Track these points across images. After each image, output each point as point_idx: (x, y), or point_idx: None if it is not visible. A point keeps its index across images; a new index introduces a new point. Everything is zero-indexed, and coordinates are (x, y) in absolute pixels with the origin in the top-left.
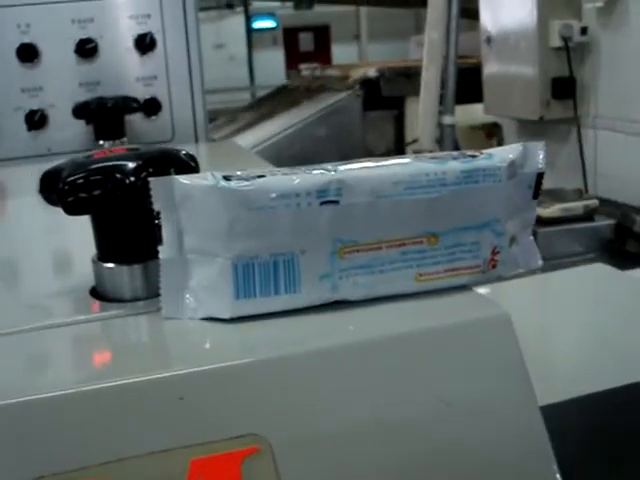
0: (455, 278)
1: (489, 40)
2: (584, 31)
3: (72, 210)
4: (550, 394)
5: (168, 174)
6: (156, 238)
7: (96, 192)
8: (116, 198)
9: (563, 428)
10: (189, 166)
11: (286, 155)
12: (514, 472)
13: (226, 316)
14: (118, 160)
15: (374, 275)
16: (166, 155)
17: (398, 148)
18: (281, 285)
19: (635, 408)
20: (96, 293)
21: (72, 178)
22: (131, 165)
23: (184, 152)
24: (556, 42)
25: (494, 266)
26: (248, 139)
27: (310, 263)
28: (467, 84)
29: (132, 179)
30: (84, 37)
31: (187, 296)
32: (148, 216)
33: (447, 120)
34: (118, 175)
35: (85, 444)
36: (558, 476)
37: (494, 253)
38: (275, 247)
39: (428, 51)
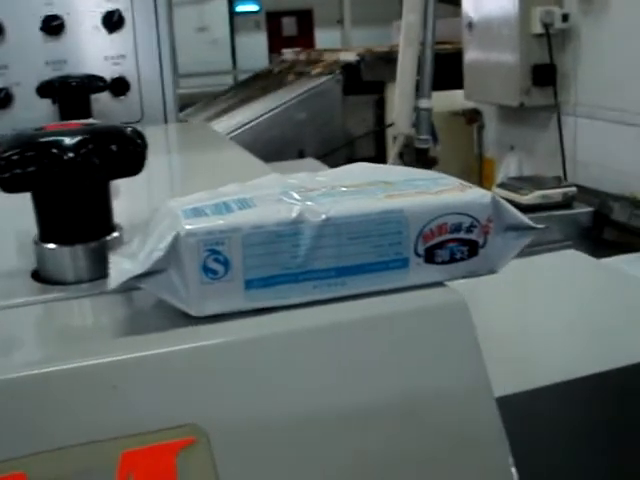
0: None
1: (470, 26)
2: (565, 18)
3: (9, 187)
4: (525, 381)
5: (109, 151)
6: (98, 217)
7: (31, 168)
8: (54, 175)
9: (540, 414)
10: (134, 142)
11: (265, 138)
12: (465, 454)
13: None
14: (59, 135)
15: None
16: (111, 131)
17: (377, 132)
18: None
19: (611, 394)
20: (38, 276)
21: (7, 154)
22: (70, 141)
23: (131, 129)
24: (537, 29)
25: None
26: (227, 122)
27: None
28: (448, 70)
29: (71, 155)
30: (50, 14)
31: None
32: (90, 194)
33: (423, 104)
34: (55, 150)
35: (9, 435)
36: (510, 458)
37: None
38: None
39: (405, 35)
